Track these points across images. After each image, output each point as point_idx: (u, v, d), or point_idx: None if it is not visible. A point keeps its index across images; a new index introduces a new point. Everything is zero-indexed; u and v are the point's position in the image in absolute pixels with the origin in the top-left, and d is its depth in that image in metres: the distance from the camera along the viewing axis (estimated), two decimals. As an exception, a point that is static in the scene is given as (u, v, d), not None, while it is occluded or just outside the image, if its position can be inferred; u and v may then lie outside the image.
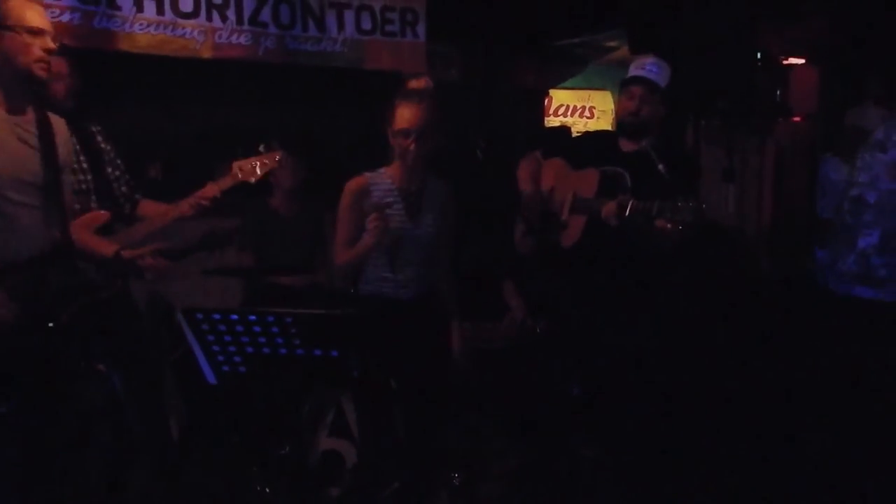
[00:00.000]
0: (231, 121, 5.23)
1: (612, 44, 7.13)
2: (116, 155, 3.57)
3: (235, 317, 2.49)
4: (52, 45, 2.80)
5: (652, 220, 3.07)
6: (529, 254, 3.70)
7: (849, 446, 3.54)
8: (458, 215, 3.42)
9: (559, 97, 9.04)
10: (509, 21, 6.28)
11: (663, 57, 3.54)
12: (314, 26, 5.10)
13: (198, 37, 4.69)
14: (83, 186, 3.37)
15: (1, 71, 2.74)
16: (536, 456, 3.95)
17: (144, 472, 3.59)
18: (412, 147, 3.14)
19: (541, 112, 7.79)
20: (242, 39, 4.83)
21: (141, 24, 4.48)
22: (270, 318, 2.49)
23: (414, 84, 3.27)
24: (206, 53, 4.76)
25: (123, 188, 3.53)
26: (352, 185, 3.26)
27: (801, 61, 5.28)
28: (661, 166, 3.25)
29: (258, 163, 3.41)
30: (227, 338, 2.53)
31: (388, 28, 5.37)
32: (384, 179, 3.25)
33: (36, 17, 2.77)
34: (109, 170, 3.50)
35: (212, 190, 3.37)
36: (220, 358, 2.59)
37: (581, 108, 9.21)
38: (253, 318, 2.49)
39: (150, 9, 4.51)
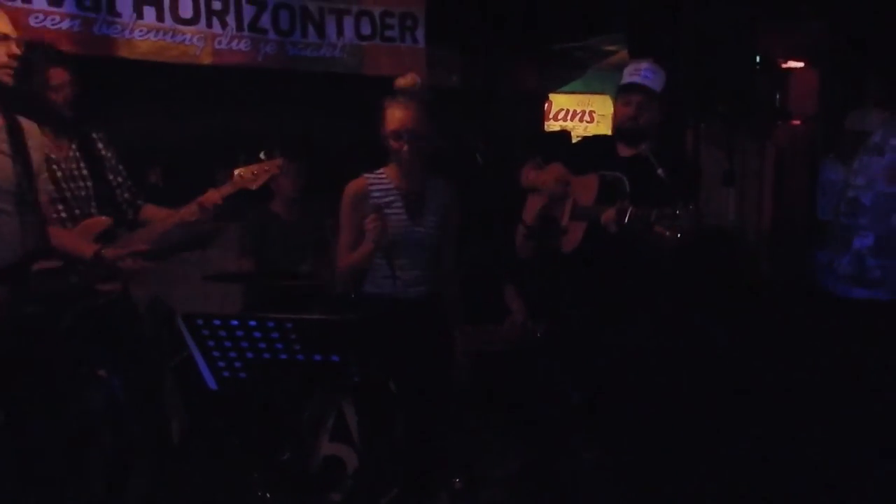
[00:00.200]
0: (231, 126, 5.24)
1: (612, 48, 7.15)
2: (118, 161, 3.57)
3: (236, 322, 2.49)
4: (16, 50, 2.81)
5: (651, 227, 3.07)
6: (530, 258, 3.70)
7: (847, 446, 3.54)
8: (461, 215, 3.41)
9: (559, 101, 9.05)
10: (509, 25, 6.30)
11: (663, 61, 3.54)
12: (314, 32, 5.11)
13: (197, 43, 4.70)
14: (83, 193, 3.37)
15: None
16: (537, 459, 3.94)
17: (145, 477, 3.59)
18: (405, 148, 3.13)
19: (541, 116, 7.80)
20: (242, 45, 4.84)
21: (141, 31, 4.50)
22: (271, 324, 2.49)
23: (402, 82, 3.25)
24: (206, 60, 4.77)
25: (126, 194, 3.53)
26: (351, 187, 3.25)
27: (801, 64, 5.29)
28: (660, 171, 3.25)
29: (259, 170, 3.41)
30: (228, 343, 2.53)
31: (388, 33, 5.38)
32: (383, 180, 3.25)
33: (0, 23, 2.78)
34: (111, 176, 3.50)
35: (213, 196, 3.37)
36: (221, 363, 2.59)
37: (581, 113, 9.22)
38: (253, 323, 2.49)
39: (149, 15, 4.52)
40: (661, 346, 3.53)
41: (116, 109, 4.54)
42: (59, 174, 3.30)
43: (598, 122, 9.14)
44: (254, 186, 3.42)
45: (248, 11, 4.86)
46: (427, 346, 3.27)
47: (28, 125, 2.93)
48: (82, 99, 3.39)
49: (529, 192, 3.70)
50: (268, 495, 3.46)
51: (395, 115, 3.13)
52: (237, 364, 2.58)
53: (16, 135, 2.84)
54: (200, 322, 2.50)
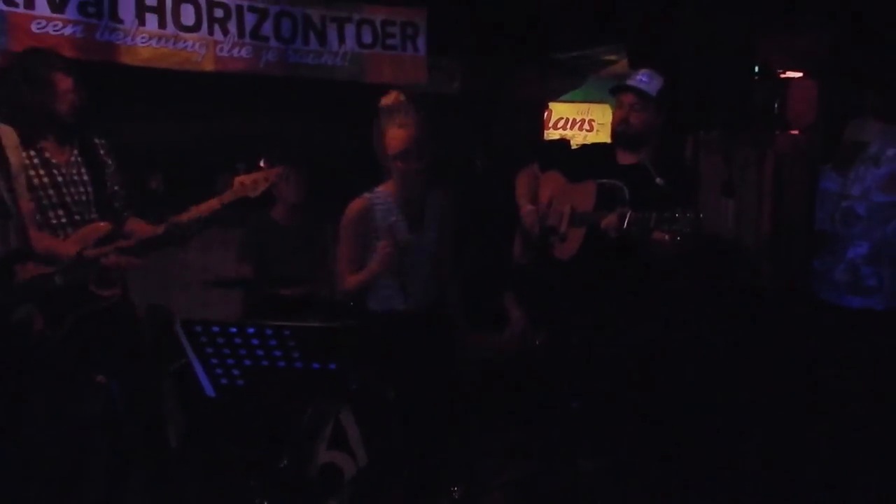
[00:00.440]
0: (232, 134, 5.26)
1: (612, 57, 7.16)
2: (117, 169, 3.58)
3: (234, 329, 2.50)
4: None
5: (650, 232, 3.08)
6: (528, 266, 3.70)
7: (845, 451, 3.55)
8: (457, 222, 3.42)
9: (558, 110, 9.07)
10: (509, 34, 6.31)
11: (662, 70, 3.56)
12: (315, 40, 5.13)
13: (199, 50, 4.72)
14: (83, 198, 3.37)
15: None
16: (536, 468, 3.94)
17: (142, 483, 3.59)
18: (411, 166, 3.13)
19: (540, 125, 7.81)
20: (244, 53, 4.86)
21: (143, 38, 4.51)
22: (269, 331, 2.49)
23: (386, 100, 3.26)
24: (208, 66, 4.79)
25: (116, 204, 3.54)
26: (353, 208, 3.24)
27: (800, 74, 5.29)
28: (658, 179, 3.27)
29: (260, 178, 3.42)
30: (226, 350, 2.54)
31: (389, 42, 5.40)
32: (385, 199, 3.24)
33: None
34: (109, 183, 3.51)
35: (213, 204, 3.38)
36: (219, 371, 2.59)
37: (580, 121, 9.24)
38: (251, 330, 2.50)
39: (151, 22, 4.54)
40: (659, 352, 3.53)
41: (118, 116, 4.55)
42: (59, 179, 3.31)
43: (597, 130, 9.15)
44: (254, 194, 3.43)
45: (250, 19, 4.88)
46: (427, 354, 3.27)
47: (4, 129, 2.95)
48: (85, 105, 3.40)
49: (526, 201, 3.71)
50: (265, 503, 3.45)
51: (397, 137, 3.13)
52: (235, 371, 2.59)
53: None
54: (198, 329, 2.51)
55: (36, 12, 4.20)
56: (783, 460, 3.88)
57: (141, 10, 4.51)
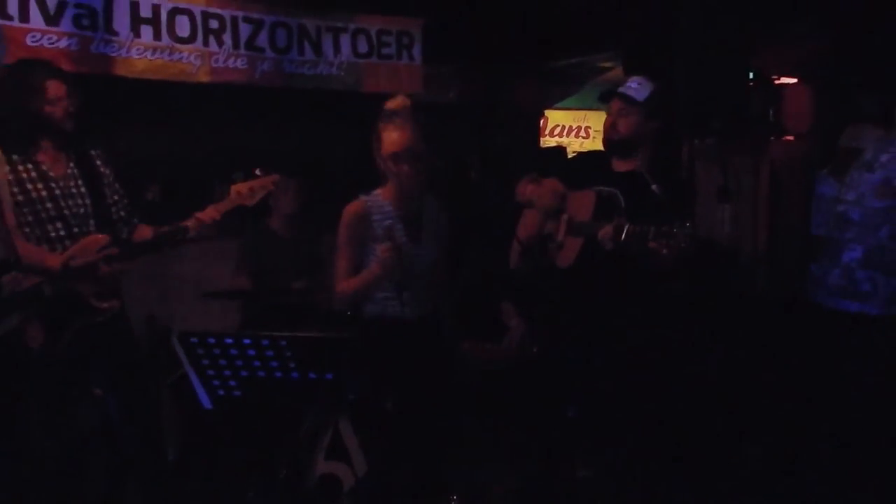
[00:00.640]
0: (229, 144, 5.26)
1: (608, 64, 7.18)
2: (115, 179, 3.58)
3: (230, 340, 2.49)
4: None
5: (647, 244, 3.07)
6: (525, 274, 3.70)
7: (841, 456, 3.55)
8: (451, 231, 3.41)
9: (555, 117, 9.09)
10: (506, 43, 6.33)
11: (656, 77, 3.56)
12: (311, 50, 5.13)
13: (195, 61, 4.72)
14: (81, 210, 3.37)
15: None
16: (534, 476, 3.93)
17: (140, 496, 3.58)
18: (405, 169, 3.12)
19: (536, 133, 7.82)
20: (239, 63, 4.86)
21: (138, 49, 4.52)
22: (265, 342, 2.48)
23: (391, 104, 3.25)
24: (204, 77, 4.79)
25: (121, 212, 3.54)
26: (350, 210, 3.22)
27: (794, 81, 5.31)
28: (654, 186, 3.27)
29: (256, 186, 3.42)
30: (222, 361, 2.53)
31: (385, 51, 5.41)
32: (382, 203, 3.22)
33: None
34: (107, 194, 3.51)
35: (210, 213, 3.38)
36: (216, 382, 2.58)
37: (577, 129, 9.26)
38: (247, 341, 2.49)
39: (147, 34, 4.55)
40: (657, 359, 3.53)
41: (114, 128, 4.56)
42: (57, 192, 3.31)
43: (593, 137, 9.17)
44: (250, 203, 3.43)
45: (245, 30, 4.89)
46: (427, 364, 3.26)
47: None
48: (81, 116, 3.40)
49: (525, 207, 3.71)
50: (264, 513, 3.45)
51: (392, 138, 3.12)
52: (232, 382, 2.58)
53: None
54: (195, 340, 2.50)
55: (31, 25, 4.20)
56: (781, 464, 3.88)
57: (136, 22, 4.51)
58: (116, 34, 4.46)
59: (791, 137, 5.43)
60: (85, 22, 4.34)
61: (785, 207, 5.39)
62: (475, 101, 6.61)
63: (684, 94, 4.63)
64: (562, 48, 6.59)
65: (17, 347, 3.09)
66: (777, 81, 5.32)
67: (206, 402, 2.61)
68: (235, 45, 4.84)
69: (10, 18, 4.14)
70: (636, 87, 3.43)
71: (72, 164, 3.40)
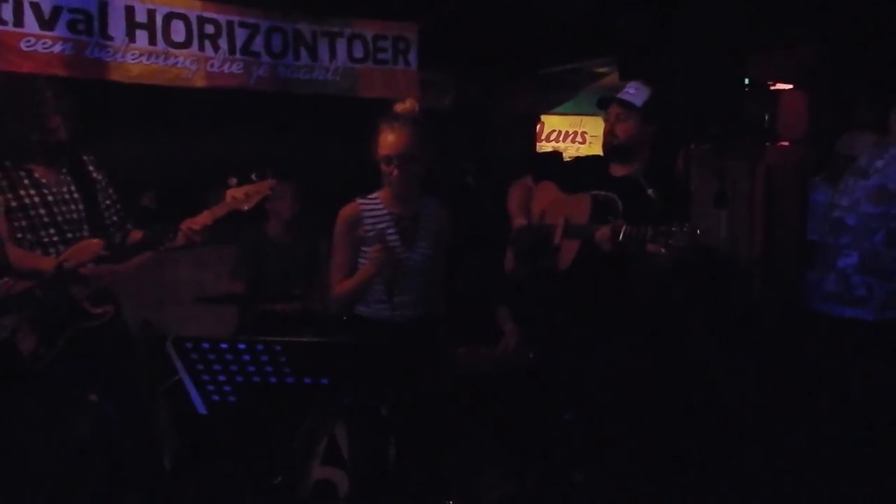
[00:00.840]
0: (225, 150, 5.25)
1: (604, 70, 7.19)
2: (108, 184, 3.57)
3: (224, 346, 2.48)
4: None
5: (645, 245, 3.07)
6: (521, 278, 3.70)
7: (838, 460, 3.55)
8: (451, 240, 3.41)
9: (551, 123, 9.09)
10: (502, 49, 6.33)
11: (652, 82, 3.56)
12: (306, 55, 5.12)
13: (190, 66, 4.71)
14: (74, 216, 3.36)
15: None
16: (531, 481, 3.93)
17: (136, 502, 3.57)
18: (396, 172, 3.13)
19: (533, 138, 7.83)
20: (234, 68, 4.85)
21: (133, 54, 4.50)
22: (260, 347, 2.48)
23: (399, 107, 3.26)
24: (199, 82, 4.78)
25: (114, 217, 3.52)
26: (345, 212, 3.24)
27: (789, 87, 5.32)
28: (650, 191, 3.27)
29: (252, 191, 3.41)
30: (217, 367, 2.52)
31: (380, 56, 5.40)
32: (377, 205, 3.24)
33: None
34: (100, 199, 3.50)
35: (205, 218, 3.37)
36: (210, 388, 2.58)
37: (573, 134, 9.27)
38: (242, 346, 2.48)
39: (142, 39, 4.53)
40: (653, 365, 3.52)
41: (109, 133, 4.55)
42: (50, 198, 3.30)
43: (589, 143, 9.18)
44: (246, 207, 3.41)
45: (241, 34, 4.88)
46: (421, 368, 3.26)
47: None
48: (75, 122, 3.39)
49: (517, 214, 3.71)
50: (259, 520, 3.44)
51: (389, 140, 3.13)
52: (226, 388, 2.57)
53: None
54: (189, 346, 2.49)
55: (25, 30, 4.18)
56: (778, 469, 3.88)
57: (131, 26, 4.50)
58: (111, 39, 4.44)
59: (786, 143, 5.43)
60: (80, 27, 4.33)
61: (780, 213, 5.39)
62: (471, 107, 6.61)
63: (680, 100, 4.63)
64: (558, 54, 6.60)
65: (10, 354, 3.08)
66: (772, 87, 5.33)
67: (201, 408, 2.60)
68: (231, 50, 4.82)
69: (5, 23, 4.12)
70: (634, 92, 3.44)
71: (64, 170, 3.39)
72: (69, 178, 3.38)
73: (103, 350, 3.39)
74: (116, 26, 4.45)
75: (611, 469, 3.59)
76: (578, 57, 6.69)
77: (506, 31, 6.09)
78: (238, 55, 4.87)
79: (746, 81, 4.93)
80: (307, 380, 2.54)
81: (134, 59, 4.54)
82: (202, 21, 4.74)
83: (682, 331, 4.45)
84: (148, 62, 4.59)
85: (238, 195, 3.39)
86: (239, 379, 2.55)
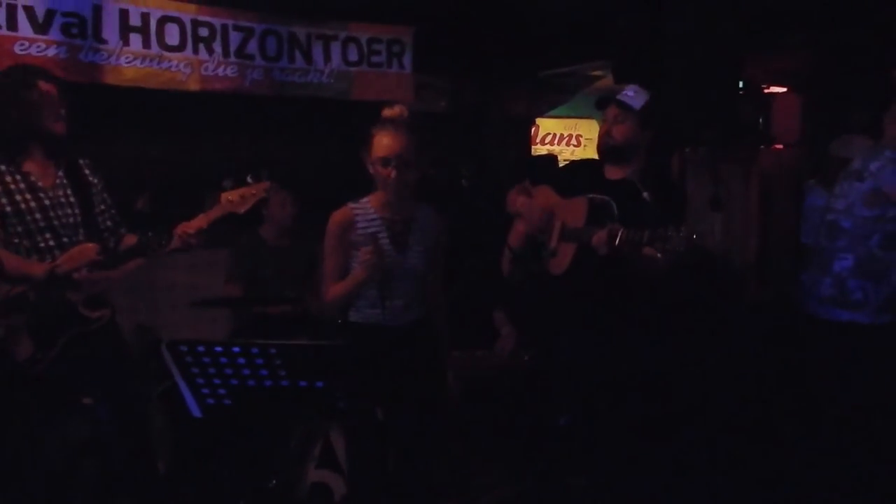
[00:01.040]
0: (220, 154, 5.25)
1: (599, 73, 7.20)
2: (104, 188, 3.56)
3: (219, 349, 2.47)
4: None
5: (641, 249, 3.06)
6: (517, 281, 3.69)
7: (834, 463, 3.55)
8: (448, 241, 3.40)
9: (546, 126, 9.11)
10: (497, 53, 6.34)
11: (647, 87, 3.57)
12: (301, 58, 5.13)
13: (184, 69, 4.71)
14: (70, 220, 3.35)
15: None
16: (526, 484, 3.92)
17: (130, 507, 3.56)
18: (393, 175, 3.12)
19: (528, 142, 7.84)
20: (229, 72, 4.86)
21: (127, 58, 4.51)
22: (255, 350, 2.47)
23: (388, 112, 3.25)
24: (193, 86, 4.78)
25: (108, 222, 3.51)
26: (336, 217, 3.22)
27: (784, 90, 5.34)
28: (645, 194, 3.27)
29: (247, 193, 3.39)
30: (212, 370, 2.51)
31: (375, 59, 5.41)
32: (368, 210, 3.22)
33: None
34: (96, 203, 3.48)
35: (200, 221, 3.35)
36: (205, 391, 2.56)
37: (568, 137, 9.29)
38: (237, 349, 2.47)
39: (136, 42, 4.54)
40: (649, 367, 3.52)
41: (103, 136, 4.55)
42: (46, 202, 3.29)
43: (584, 145, 9.20)
44: (241, 210, 3.39)
45: (235, 38, 4.88)
46: (415, 373, 3.25)
47: None
48: (70, 124, 3.38)
49: (516, 216, 3.71)
50: (254, 524, 3.43)
51: (384, 143, 3.12)
52: (221, 391, 2.56)
53: None
54: (184, 349, 2.48)
55: (19, 34, 4.19)
56: (775, 472, 3.88)
57: (125, 30, 4.50)
58: (105, 42, 4.45)
59: (781, 146, 5.45)
60: (74, 30, 4.33)
61: (775, 216, 5.41)
62: (467, 110, 6.62)
63: (675, 104, 4.65)
64: (553, 57, 6.61)
65: (4, 358, 3.07)
66: (767, 91, 5.35)
67: (196, 411, 2.59)
68: (225, 54, 4.83)
69: (-1, 27, 4.13)
70: (632, 95, 3.44)
71: (60, 174, 3.38)
72: (65, 182, 3.37)
73: (99, 354, 3.38)
74: (110, 30, 4.46)
75: (606, 472, 3.59)
76: (574, 60, 6.70)
77: (501, 35, 6.10)
78: (232, 58, 4.87)
79: (741, 85, 4.95)
80: (302, 383, 2.53)
81: (128, 63, 4.54)
82: (196, 24, 4.75)
83: (678, 334, 4.45)
84: (142, 66, 4.60)
85: (233, 197, 3.38)
86: (234, 382, 2.53)
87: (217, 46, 4.80)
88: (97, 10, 4.40)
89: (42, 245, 3.26)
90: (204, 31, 4.74)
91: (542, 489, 3.76)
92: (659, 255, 3.00)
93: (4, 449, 3.24)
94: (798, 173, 5.07)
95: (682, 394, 4.21)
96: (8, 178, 3.23)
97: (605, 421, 3.46)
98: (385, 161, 3.11)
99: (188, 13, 4.72)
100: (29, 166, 3.29)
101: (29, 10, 4.21)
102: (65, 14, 4.30)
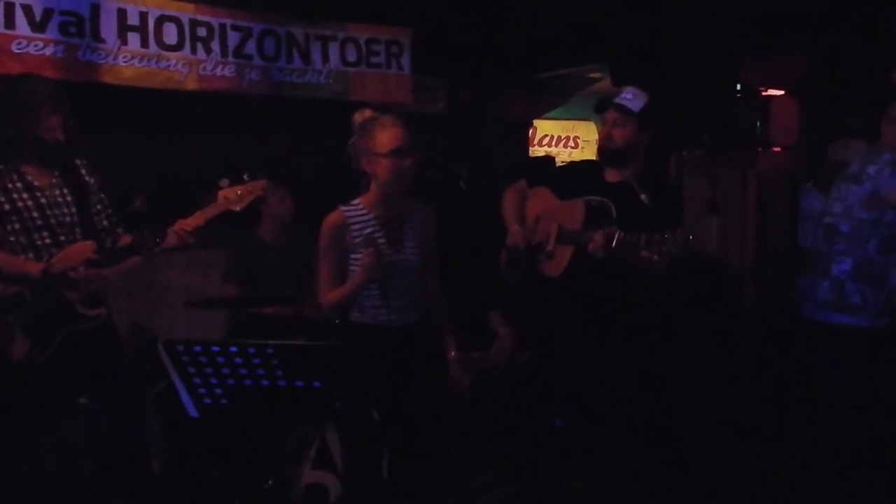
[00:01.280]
0: (217, 153, 5.23)
1: (596, 75, 7.21)
2: (100, 188, 3.56)
3: (216, 348, 2.47)
4: None
5: (639, 252, 3.07)
6: (514, 283, 3.69)
7: (832, 467, 3.56)
8: (437, 238, 3.40)
9: (543, 127, 9.11)
10: (495, 54, 6.34)
11: (645, 89, 3.57)
12: (299, 58, 5.13)
13: (182, 69, 4.71)
14: (67, 219, 3.34)
15: None
16: (523, 486, 3.92)
17: (125, 507, 3.55)
18: (408, 162, 3.13)
19: (525, 143, 7.84)
20: (227, 71, 4.85)
21: (125, 57, 4.50)
22: (252, 350, 2.47)
23: (359, 117, 3.26)
24: (191, 85, 4.78)
25: (105, 222, 3.51)
26: (329, 222, 3.20)
27: (781, 93, 5.34)
28: (643, 196, 3.27)
29: (244, 191, 3.39)
30: (209, 370, 2.51)
31: (373, 60, 5.41)
32: (361, 211, 3.21)
33: None
34: (92, 202, 3.48)
35: (197, 219, 3.35)
36: (202, 390, 2.57)
37: (565, 139, 9.30)
38: (234, 349, 2.48)
39: (134, 41, 4.53)
40: (645, 370, 3.53)
41: (100, 136, 4.53)
42: (42, 201, 3.28)
43: (582, 147, 9.21)
44: (238, 208, 3.39)
45: (233, 37, 4.88)
46: (415, 373, 3.25)
47: None
48: (68, 124, 3.38)
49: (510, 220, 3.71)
50: (249, 524, 3.42)
51: (390, 135, 3.12)
52: (218, 390, 2.56)
53: None
54: (181, 348, 2.48)
55: (16, 32, 4.18)
56: (773, 476, 3.88)
57: (123, 29, 4.49)
58: (103, 41, 4.44)
59: (778, 149, 5.45)
60: (71, 29, 4.32)
61: (772, 219, 5.41)
62: (464, 111, 6.62)
63: (672, 106, 4.65)
64: (551, 59, 6.61)
65: (0, 357, 3.07)
66: (764, 93, 5.35)
67: (192, 411, 2.59)
68: (223, 53, 4.83)
69: (-4, 25, 4.12)
70: (631, 97, 3.44)
71: (57, 174, 3.38)
72: (62, 181, 3.37)
73: (94, 353, 3.38)
74: (108, 29, 4.45)
75: (602, 474, 3.59)
76: (572, 62, 6.70)
77: (499, 37, 6.11)
78: (230, 58, 4.87)
79: (738, 87, 4.95)
80: (299, 383, 2.53)
81: (126, 62, 4.54)
82: (194, 24, 4.74)
83: (675, 337, 4.45)
84: (140, 65, 4.59)
85: (230, 196, 3.38)
86: (231, 382, 2.54)
87: (215, 46, 4.79)
88: (95, 9, 4.39)
89: (39, 243, 3.26)
90: (202, 31, 4.74)
91: (538, 490, 3.76)
92: (655, 257, 3.00)
93: (0, 449, 3.24)
94: (795, 176, 5.07)
95: (679, 396, 4.22)
96: (5, 177, 3.23)
97: (601, 422, 3.46)
98: (397, 152, 3.11)
99: (186, 13, 4.71)
100: (25, 166, 3.29)
101: (26, 9, 4.20)
102: (62, 13, 4.30)
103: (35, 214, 3.25)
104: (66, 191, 3.37)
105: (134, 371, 3.80)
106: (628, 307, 3.44)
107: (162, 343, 2.50)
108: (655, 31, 5.10)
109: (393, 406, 3.23)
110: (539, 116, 8.35)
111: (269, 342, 2.48)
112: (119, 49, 4.49)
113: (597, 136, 3.69)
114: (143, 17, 4.56)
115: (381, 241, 3.18)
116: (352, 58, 5.31)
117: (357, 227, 3.18)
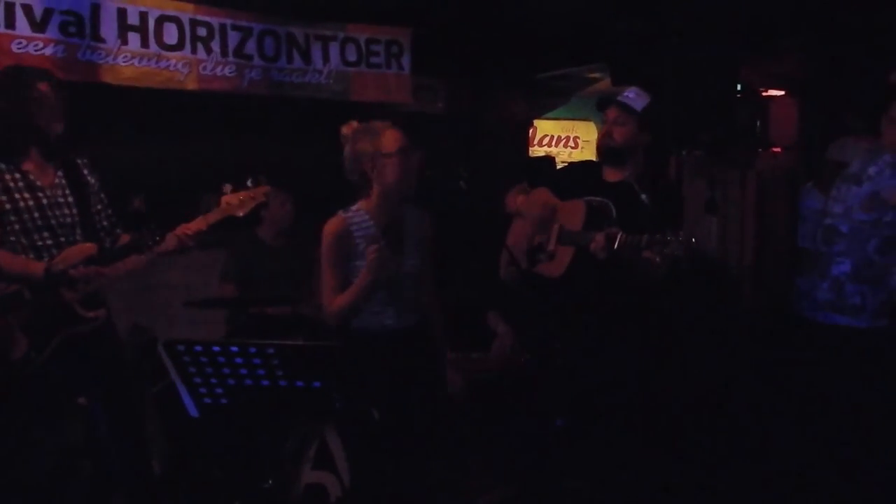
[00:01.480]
0: (217, 154, 5.23)
1: (596, 75, 7.21)
2: (100, 188, 3.55)
3: (217, 349, 2.47)
4: None
5: (640, 253, 3.07)
6: (514, 284, 3.69)
7: (831, 467, 3.56)
8: (436, 238, 3.40)
9: (543, 127, 9.12)
10: (494, 55, 6.34)
11: (644, 89, 3.57)
12: (299, 58, 5.13)
13: (182, 69, 4.71)
14: (68, 220, 3.34)
15: None
16: (522, 487, 3.92)
17: (125, 507, 3.55)
18: (415, 160, 3.14)
19: (525, 144, 7.84)
20: (227, 71, 4.85)
21: (125, 57, 4.50)
22: (252, 350, 2.47)
23: (346, 129, 3.26)
24: (191, 85, 4.77)
25: (104, 222, 3.51)
26: (330, 229, 3.19)
27: (781, 93, 5.33)
28: (643, 196, 3.26)
29: (247, 197, 3.39)
30: (209, 370, 2.51)
31: (373, 60, 5.41)
32: (362, 216, 3.21)
33: None
34: (93, 202, 3.48)
35: (199, 224, 3.35)
36: (202, 390, 2.57)
37: (565, 139, 9.30)
38: (235, 349, 2.48)
39: (134, 41, 4.53)
40: (646, 370, 3.53)
41: (101, 136, 4.53)
42: (44, 201, 3.28)
43: (582, 147, 9.22)
44: (241, 213, 3.40)
45: (234, 37, 4.88)
46: (414, 374, 3.25)
47: None
48: (68, 124, 3.37)
49: (515, 217, 3.71)
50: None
51: (394, 135, 3.14)
52: (218, 390, 2.56)
53: None
54: (181, 348, 2.48)
55: (16, 32, 4.18)
56: (772, 476, 3.88)
57: (123, 29, 4.49)
58: (103, 41, 4.44)
59: (778, 150, 5.45)
60: (71, 29, 4.32)
61: (772, 220, 5.40)
62: (464, 111, 6.62)
63: (672, 106, 4.65)
64: (551, 59, 6.62)
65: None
66: (764, 94, 5.35)
67: (193, 411, 2.59)
68: (223, 53, 4.83)
69: (-5, 25, 4.12)
70: (633, 97, 3.44)
71: (59, 174, 3.37)
72: (63, 182, 3.36)
73: (94, 354, 3.37)
74: (108, 28, 4.45)
75: (602, 475, 3.59)
76: (571, 63, 6.70)
77: (499, 37, 6.10)
78: (231, 58, 4.87)
79: (738, 88, 4.95)
80: (299, 383, 2.53)
81: (126, 62, 4.53)
82: (194, 24, 4.74)
83: (675, 337, 4.45)
84: (140, 65, 4.59)
85: (233, 201, 3.38)
86: (231, 382, 2.54)
87: (215, 46, 4.79)
88: (95, 9, 4.39)
89: (39, 244, 3.26)
90: (202, 31, 4.74)
91: (538, 490, 3.76)
92: (657, 258, 3.00)
93: (0, 449, 3.24)
94: (795, 177, 5.07)
95: (679, 397, 4.22)
96: (7, 177, 3.22)
97: (601, 423, 3.46)
98: (404, 150, 3.12)
99: (186, 12, 4.71)
100: (28, 165, 3.29)
101: (27, 9, 4.20)
102: (62, 13, 4.29)
103: (36, 215, 3.25)
104: (67, 191, 3.37)
105: (134, 371, 3.80)
106: (629, 308, 3.44)
107: (163, 343, 2.50)
108: (655, 31, 5.11)
109: (393, 407, 3.23)
110: (539, 116, 8.35)
111: (270, 342, 2.48)
112: (119, 49, 4.49)
113: (596, 136, 3.69)
114: (144, 16, 4.56)
115: (383, 245, 3.18)
116: (352, 58, 5.31)
117: (360, 232, 3.17)
